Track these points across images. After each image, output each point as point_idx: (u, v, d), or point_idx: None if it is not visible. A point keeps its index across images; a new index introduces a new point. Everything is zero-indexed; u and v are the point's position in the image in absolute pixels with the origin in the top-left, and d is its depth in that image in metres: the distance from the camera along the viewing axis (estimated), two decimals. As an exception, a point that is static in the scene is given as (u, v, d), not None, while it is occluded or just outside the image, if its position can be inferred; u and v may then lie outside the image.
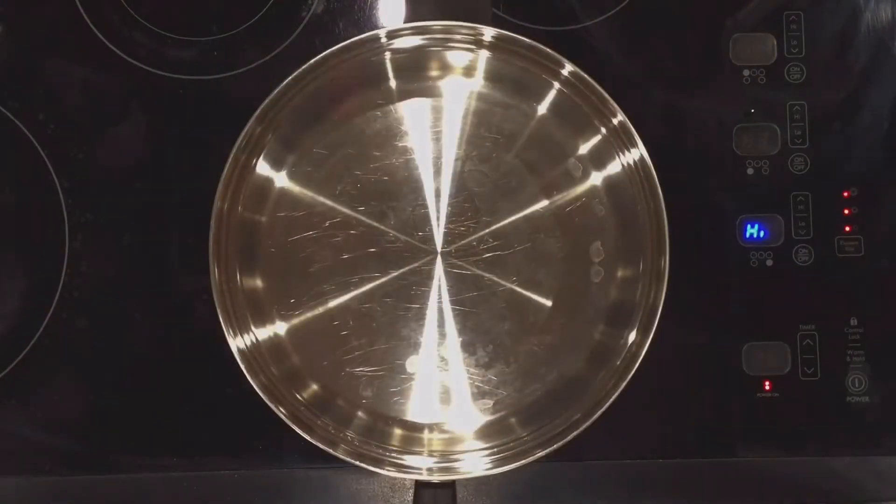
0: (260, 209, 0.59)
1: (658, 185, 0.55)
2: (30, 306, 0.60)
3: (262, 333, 0.58)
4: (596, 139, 0.59)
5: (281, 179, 0.59)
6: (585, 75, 0.56)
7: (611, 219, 0.59)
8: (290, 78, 0.56)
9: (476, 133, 0.59)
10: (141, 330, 0.60)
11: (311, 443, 0.53)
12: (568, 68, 0.56)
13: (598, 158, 0.59)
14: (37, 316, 0.59)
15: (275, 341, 0.58)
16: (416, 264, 0.58)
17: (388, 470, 0.55)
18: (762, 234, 0.60)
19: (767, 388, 0.59)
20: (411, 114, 0.59)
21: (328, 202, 0.59)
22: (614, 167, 0.59)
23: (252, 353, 0.57)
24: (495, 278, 0.58)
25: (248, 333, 0.57)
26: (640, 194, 0.57)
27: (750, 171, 0.60)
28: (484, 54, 0.58)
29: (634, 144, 0.56)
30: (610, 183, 0.59)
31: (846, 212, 0.60)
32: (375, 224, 0.58)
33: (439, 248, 0.58)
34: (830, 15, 0.62)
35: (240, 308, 0.57)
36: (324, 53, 0.56)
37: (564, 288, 0.58)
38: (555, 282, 0.58)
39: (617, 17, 0.62)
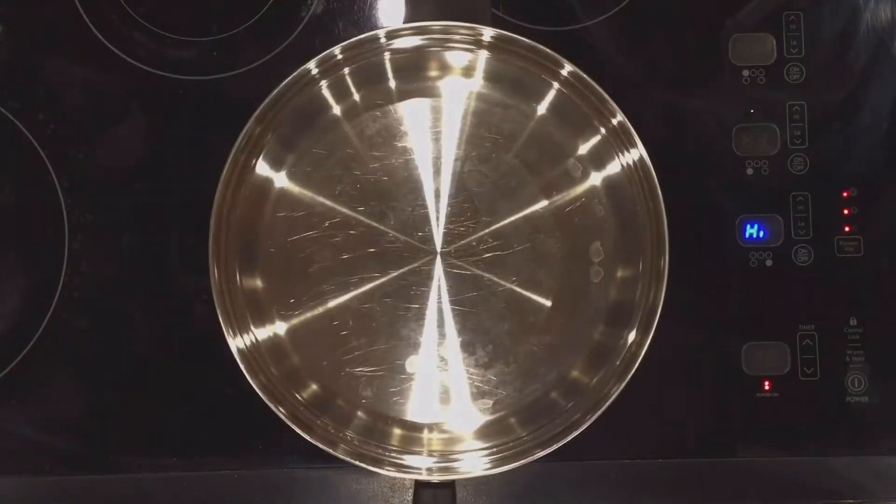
0: (260, 209, 0.59)
1: (658, 185, 0.55)
2: (30, 306, 0.60)
3: (262, 333, 0.58)
4: (595, 139, 0.59)
5: (281, 179, 0.59)
6: (585, 75, 0.56)
7: (611, 219, 0.59)
8: (289, 78, 0.56)
9: (476, 133, 0.59)
10: (141, 330, 0.60)
11: (310, 443, 0.53)
12: (567, 68, 0.56)
13: (598, 158, 0.59)
14: (37, 316, 0.59)
15: (274, 341, 0.58)
16: (415, 264, 0.58)
17: (388, 470, 0.55)
18: (762, 234, 0.60)
19: (767, 388, 0.59)
20: (411, 114, 0.59)
21: (328, 202, 0.59)
22: (614, 167, 0.59)
23: (252, 353, 0.57)
24: (495, 278, 0.58)
25: (248, 333, 0.57)
26: (639, 194, 0.57)
27: (749, 171, 0.60)
28: (483, 54, 0.58)
29: (634, 145, 0.56)
30: (610, 183, 0.59)
31: (846, 212, 0.60)
32: (375, 224, 0.59)
33: (439, 249, 0.58)
34: (830, 15, 0.62)
35: (240, 308, 0.57)
36: (324, 53, 0.56)
37: (564, 288, 0.58)
38: (554, 282, 0.58)
39: (617, 17, 0.62)
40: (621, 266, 0.58)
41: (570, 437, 0.54)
